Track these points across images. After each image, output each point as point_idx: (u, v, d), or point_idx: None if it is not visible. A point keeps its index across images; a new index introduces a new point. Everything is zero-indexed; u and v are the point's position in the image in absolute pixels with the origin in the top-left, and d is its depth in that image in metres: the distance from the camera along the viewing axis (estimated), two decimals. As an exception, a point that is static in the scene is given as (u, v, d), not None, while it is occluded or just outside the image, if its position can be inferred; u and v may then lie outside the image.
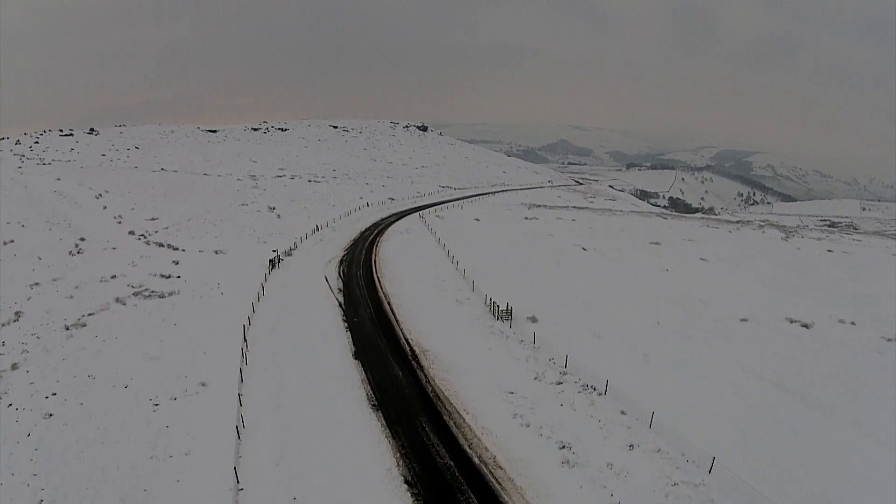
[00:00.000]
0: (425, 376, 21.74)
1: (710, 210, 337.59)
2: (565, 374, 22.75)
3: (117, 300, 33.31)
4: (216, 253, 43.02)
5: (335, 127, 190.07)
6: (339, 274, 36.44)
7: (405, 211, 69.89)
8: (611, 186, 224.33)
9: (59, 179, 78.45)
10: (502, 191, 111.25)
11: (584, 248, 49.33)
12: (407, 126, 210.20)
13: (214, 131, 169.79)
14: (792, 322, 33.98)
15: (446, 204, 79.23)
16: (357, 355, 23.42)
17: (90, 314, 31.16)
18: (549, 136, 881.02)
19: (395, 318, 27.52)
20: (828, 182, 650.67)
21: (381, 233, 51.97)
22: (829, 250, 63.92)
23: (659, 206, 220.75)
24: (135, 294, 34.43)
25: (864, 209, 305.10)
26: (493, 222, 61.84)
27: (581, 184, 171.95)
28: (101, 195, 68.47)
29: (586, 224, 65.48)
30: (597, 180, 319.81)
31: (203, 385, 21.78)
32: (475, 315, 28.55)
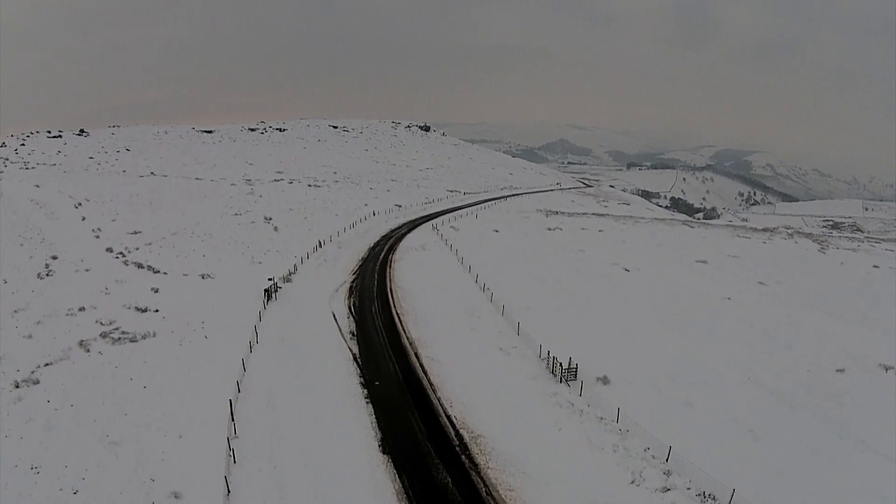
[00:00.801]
0: (484, 483, 15.66)
1: (713, 210, 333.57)
2: (669, 473, 16.74)
3: (81, 344, 27.29)
4: (203, 277, 36.81)
5: (335, 127, 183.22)
6: (350, 309, 30.22)
7: (416, 220, 63.72)
8: (611, 186, 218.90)
9: (38, 186, 72.16)
10: (513, 195, 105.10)
11: (626, 269, 43.30)
12: (409, 126, 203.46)
13: (210, 132, 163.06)
14: (887, 370, 28.59)
15: (458, 211, 73.07)
16: (385, 446, 17.28)
17: (47, 364, 25.22)
18: (549, 136, 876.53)
19: (429, 381, 21.42)
20: (827, 181, 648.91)
21: (392, 249, 45.78)
22: (875, 266, 58.78)
23: (661, 206, 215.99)
24: (103, 336, 28.35)
25: (866, 209, 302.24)
26: (515, 234, 55.76)
27: (590, 186, 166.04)
28: (80, 204, 62.11)
29: (616, 236, 59.50)
30: (598, 180, 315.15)
31: (176, 497, 15.67)
32: (530, 374, 22.46)
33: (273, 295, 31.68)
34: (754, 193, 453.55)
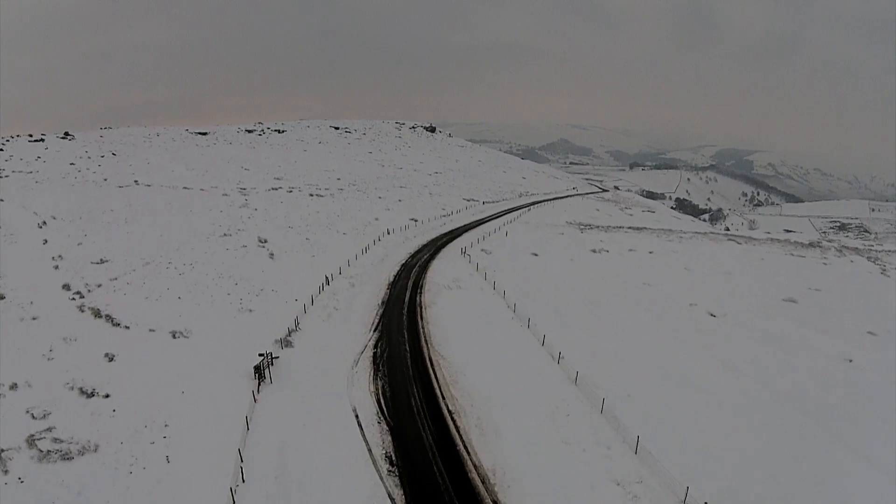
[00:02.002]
0: None
1: (719, 212, 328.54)
2: None
3: (-1, 458, 18.73)
4: (174, 336, 27.78)
5: (336, 128, 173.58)
6: (379, 404, 20.97)
7: (437, 239, 54.68)
8: (616, 188, 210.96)
9: (1, 200, 63.13)
10: (533, 203, 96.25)
11: (711, 315, 34.52)
12: (414, 127, 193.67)
13: (204, 133, 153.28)
14: None
15: (482, 226, 64.16)
16: None
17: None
18: (549, 136, 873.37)
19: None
20: (829, 181, 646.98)
21: (419, 287, 36.58)
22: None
23: (666, 206, 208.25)
24: (30, 443, 19.82)
25: (872, 210, 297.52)
26: (559, 260, 46.83)
27: (606, 190, 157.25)
28: (45, 223, 52.90)
29: (673, 261, 50.68)
30: (602, 181, 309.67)
31: None
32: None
33: (267, 373, 22.65)
34: (758, 193, 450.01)
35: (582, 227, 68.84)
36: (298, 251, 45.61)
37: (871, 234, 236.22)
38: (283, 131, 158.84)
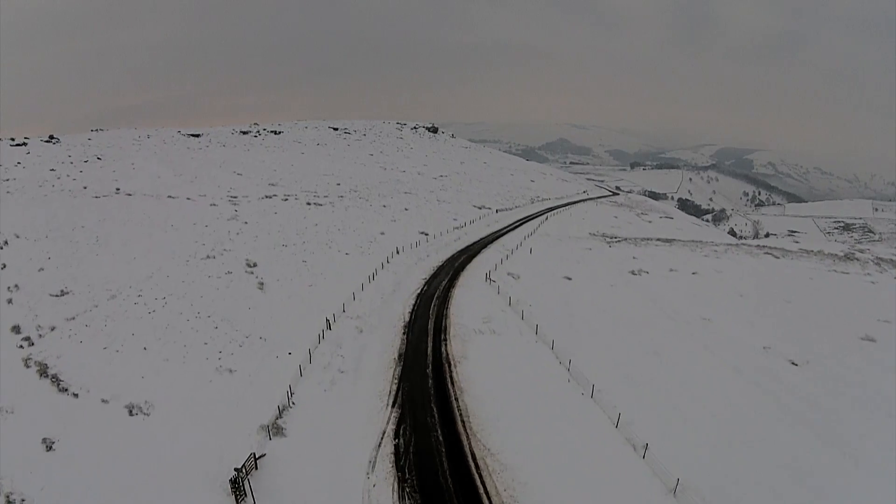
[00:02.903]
0: None
1: (722, 212, 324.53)
2: None
3: None
4: (131, 413, 21.38)
5: (335, 129, 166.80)
6: None
7: (455, 258, 48.22)
8: (618, 188, 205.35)
9: (-37, 213, 56.52)
10: (548, 209, 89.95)
11: (793, 363, 28.33)
12: (415, 127, 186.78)
13: (197, 135, 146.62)
14: None
15: (501, 238, 57.88)
16: None
17: None
18: (549, 135, 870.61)
19: None
20: (829, 180, 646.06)
21: (442, 329, 30.05)
22: None
23: (672, 207, 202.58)
24: None
25: (876, 210, 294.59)
26: (595, 284, 40.50)
27: (617, 193, 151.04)
28: (7, 243, 46.37)
29: (720, 284, 44.47)
30: (602, 181, 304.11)
31: None
32: None
33: (247, 485, 16.28)
34: (759, 193, 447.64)
35: (608, 239, 62.60)
36: (293, 278, 39.22)
37: (875, 234, 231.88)
38: (279, 132, 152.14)
